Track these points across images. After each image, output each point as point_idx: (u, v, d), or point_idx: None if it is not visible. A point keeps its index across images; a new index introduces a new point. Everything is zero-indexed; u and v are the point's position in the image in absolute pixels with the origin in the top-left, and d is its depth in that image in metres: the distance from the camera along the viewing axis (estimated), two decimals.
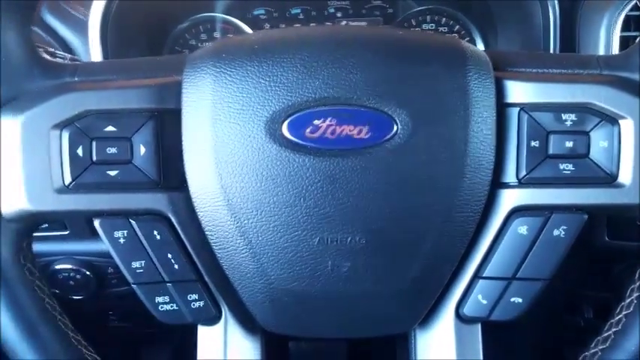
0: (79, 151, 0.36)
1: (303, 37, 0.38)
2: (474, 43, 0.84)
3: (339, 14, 0.87)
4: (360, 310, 0.40)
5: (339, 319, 0.41)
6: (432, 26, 0.85)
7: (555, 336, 0.77)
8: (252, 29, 0.85)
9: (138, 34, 0.76)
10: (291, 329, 0.42)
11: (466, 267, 0.39)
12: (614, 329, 0.39)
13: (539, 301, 0.40)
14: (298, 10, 0.87)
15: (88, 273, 0.63)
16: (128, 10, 0.70)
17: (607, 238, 0.61)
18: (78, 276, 0.63)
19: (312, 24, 0.87)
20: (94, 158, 0.37)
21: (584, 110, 0.37)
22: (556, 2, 0.66)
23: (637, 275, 0.39)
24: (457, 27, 0.84)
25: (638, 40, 0.39)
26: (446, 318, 0.41)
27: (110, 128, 0.36)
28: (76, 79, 0.38)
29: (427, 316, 0.41)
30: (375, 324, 0.42)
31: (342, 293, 0.39)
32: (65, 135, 0.36)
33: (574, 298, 0.72)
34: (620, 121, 0.36)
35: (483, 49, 0.82)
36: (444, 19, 0.84)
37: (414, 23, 0.85)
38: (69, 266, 0.63)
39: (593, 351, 0.40)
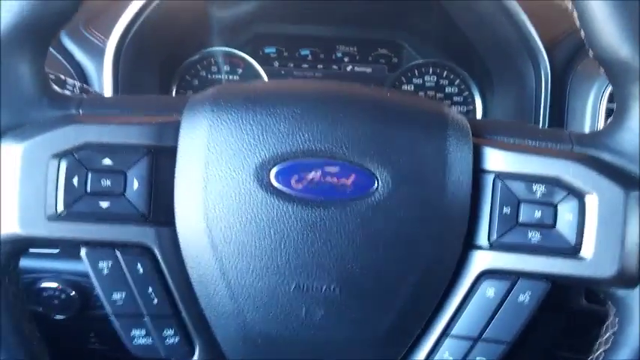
0: (75, 181, 0.38)
1: (298, 91, 0.40)
2: (472, 99, 0.86)
3: (346, 59, 0.90)
4: (329, 357, 0.41)
5: None
6: (433, 78, 0.88)
7: None
8: (261, 66, 0.88)
9: (150, 62, 0.79)
10: None
11: (435, 324, 0.40)
12: None
13: None
14: (307, 52, 0.90)
15: (73, 293, 0.64)
16: (144, 39, 0.73)
17: (584, 302, 0.63)
18: (63, 295, 0.63)
19: (319, 66, 0.90)
20: (88, 189, 0.38)
21: (553, 183, 0.38)
22: (548, 69, 0.69)
23: (609, 317, 0.40)
24: (457, 81, 0.87)
25: (608, 121, 0.41)
26: None
27: (107, 161, 0.38)
28: (81, 111, 0.40)
29: None
30: None
31: (314, 339, 0.39)
32: (63, 165, 0.38)
33: (551, 359, 0.73)
34: (586, 197, 0.38)
35: (481, 105, 0.85)
36: (445, 72, 0.87)
37: (416, 74, 0.88)
38: (55, 285, 0.63)
39: None
